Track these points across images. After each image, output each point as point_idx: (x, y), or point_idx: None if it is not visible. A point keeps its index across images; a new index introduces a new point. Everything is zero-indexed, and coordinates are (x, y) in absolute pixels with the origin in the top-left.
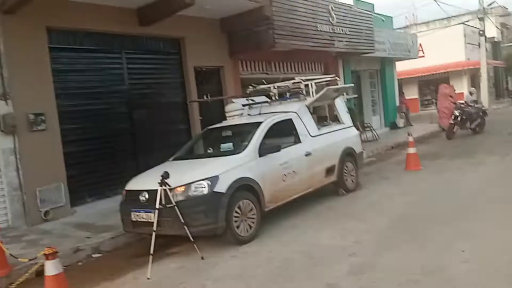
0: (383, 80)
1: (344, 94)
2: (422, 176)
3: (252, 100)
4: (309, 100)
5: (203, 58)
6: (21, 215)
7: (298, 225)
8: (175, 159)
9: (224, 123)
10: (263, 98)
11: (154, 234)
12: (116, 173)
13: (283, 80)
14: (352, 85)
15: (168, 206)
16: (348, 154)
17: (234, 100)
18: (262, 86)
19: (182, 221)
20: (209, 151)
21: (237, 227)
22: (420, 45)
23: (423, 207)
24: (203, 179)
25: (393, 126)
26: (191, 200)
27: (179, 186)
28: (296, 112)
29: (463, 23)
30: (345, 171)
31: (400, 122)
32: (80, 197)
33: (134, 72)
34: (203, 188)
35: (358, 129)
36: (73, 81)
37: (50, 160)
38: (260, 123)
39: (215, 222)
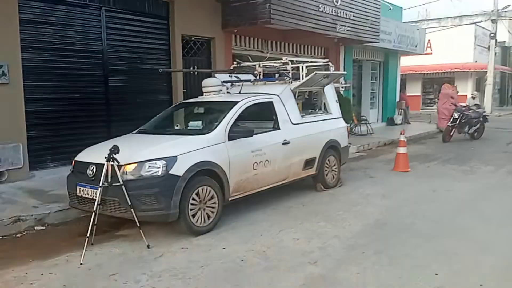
0: (385, 73)
1: (341, 82)
2: (409, 180)
3: (237, 77)
4: (295, 84)
5: (193, 26)
6: None
7: (264, 220)
8: (139, 132)
9: (198, 99)
10: (250, 77)
11: (94, 214)
12: (84, 139)
13: (269, 59)
14: (345, 73)
15: (114, 184)
16: (332, 147)
17: (216, 75)
18: (247, 63)
19: (129, 203)
20: (176, 128)
21: (193, 215)
22: (429, 41)
23: (403, 215)
24: (158, 159)
25: (390, 122)
26: (142, 181)
27: (129, 164)
28: (278, 96)
29: (474, 23)
30: (326, 165)
31: (398, 119)
32: (41, 161)
33: (114, 32)
34: (157, 169)
35: (352, 121)
36: (43, 34)
37: (10, 117)
38: (235, 103)
39: (167, 208)
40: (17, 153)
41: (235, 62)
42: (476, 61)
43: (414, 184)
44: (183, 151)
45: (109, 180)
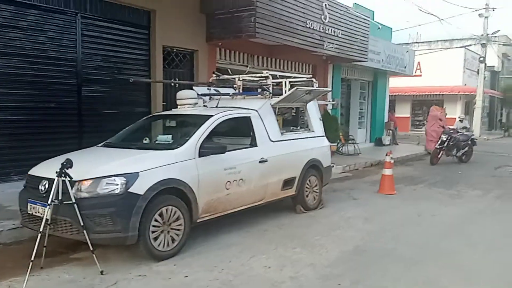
0: (374, 92)
1: (329, 100)
2: (394, 203)
3: (216, 90)
4: (275, 99)
5: (175, 37)
6: None
7: (235, 244)
8: (104, 145)
9: (172, 111)
10: (230, 91)
11: (41, 235)
12: (52, 151)
13: (249, 72)
14: (329, 89)
15: (65, 202)
16: (313, 167)
17: (195, 87)
18: (226, 76)
19: (81, 223)
20: (144, 142)
21: (155, 238)
22: (419, 63)
23: (385, 241)
24: (117, 175)
25: (378, 142)
26: (97, 199)
27: (84, 180)
28: (257, 111)
29: (464, 46)
30: (307, 185)
31: (386, 139)
32: (4, 173)
33: (90, 40)
34: (116, 186)
35: (339, 140)
36: (13, 39)
37: None
38: (208, 117)
39: (124, 230)
40: None
41: (214, 75)
42: (465, 84)
43: (399, 207)
44: (146, 167)
45: (60, 197)
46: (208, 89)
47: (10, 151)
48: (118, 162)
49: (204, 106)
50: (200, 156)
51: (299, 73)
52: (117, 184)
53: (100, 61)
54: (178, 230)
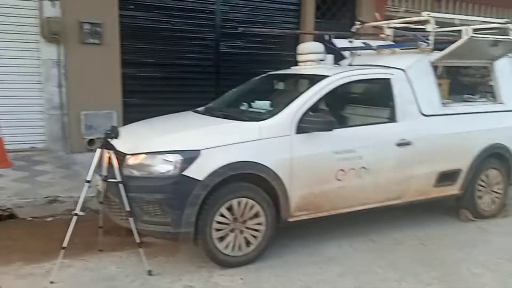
0: None
1: None
2: None
3: (365, 43)
4: (436, 54)
5: None
6: (59, 138)
7: (334, 260)
8: (197, 111)
9: (288, 70)
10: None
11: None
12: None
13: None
14: None
15: (110, 180)
16: (495, 156)
17: (334, 40)
18: (372, 24)
19: (128, 209)
20: (241, 108)
21: (220, 239)
22: None
23: None
24: (171, 151)
25: None
26: (146, 180)
27: (133, 154)
28: (403, 70)
29: None
30: (481, 182)
31: None
32: None
33: None
34: (168, 166)
35: None
36: None
37: (104, 81)
38: (321, 78)
39: (176, 225)
40: (110, 121)
41: (357, 22)
42: None
43: None
44: (212, 144)
45: (106, 173)
46: (349, 41)
47: (140, 108)
48: (178, 134)
49: (337, 64)
50: (298, 132)
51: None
52: (170, 163)
53: (241, 13)
54: (257, 230)
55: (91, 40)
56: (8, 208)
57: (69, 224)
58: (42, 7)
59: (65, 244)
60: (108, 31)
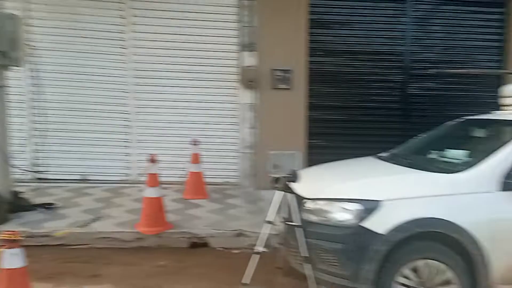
0: None
1: None
2: None
3: None
4: None
5: None
6: (248, 175)
7: None
8: (379, 157)
9: (490, 115)
10: None
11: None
12: (364, 154)
13: None
14: None
15: (287, 222)
16: None
17: None
18: None
19: (305, 254)
20: (430, 156)
21: None
22: None
23: None
24: (349, 199)
25: None
26: (324, 228)
27: (313, 199)
28: None
29: None
30: None
31: None
32: None
33: (421, 28)
34: (346, 215)
35: None
36: (330, 35)
37: (290, 123)
38: None
39: (353, 279)
40: (294, 160)
41: None
42: None
43: None
44: (396, 195)
45: (285, 215)
46: None
47: (323, 150)
48: (358, 182)
49: None
50: (504, 189)
51: None
52: (349, 212)
53: (433, 52)
54: None
55: (281, 86)
56: (203, 237)
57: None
58: (242, 57)
59: (246, 280)
60: (296, 77)
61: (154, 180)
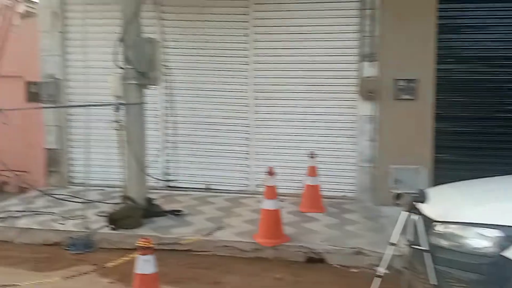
0: None
1: None
2: None
3: None
4: None
5: None
6: (368, 189)
7: None
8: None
9: None
10: None
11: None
12: (498, 170)
13: None
14: None
15: (412, 246)
16: None
17: None
18: None
19: (434, 282)
20: None
21: None
22: None
23: None
24: (489, 225)
25: None
26: (457, 254)
27: (442, 222)
28: None
29: None
30: None
31: None
32: None
33: None
34: (484, 242)
35: None
36: (462, 40)
37: (414, 136)
38: None
39: None
40: (418, 176)
41: None
42: None
43: None
44: None
45: (410, 238)
46: None
47: (451, 165)
48: (499, 205)
49: None
50: None
51: None
52: (487, 239)
53: None
54: None
55: (404, 96)
56: (320, 253)
57: (372, 282)
58: (362, 67)
59: None
60: (422, 86)
61: (272, 193)
